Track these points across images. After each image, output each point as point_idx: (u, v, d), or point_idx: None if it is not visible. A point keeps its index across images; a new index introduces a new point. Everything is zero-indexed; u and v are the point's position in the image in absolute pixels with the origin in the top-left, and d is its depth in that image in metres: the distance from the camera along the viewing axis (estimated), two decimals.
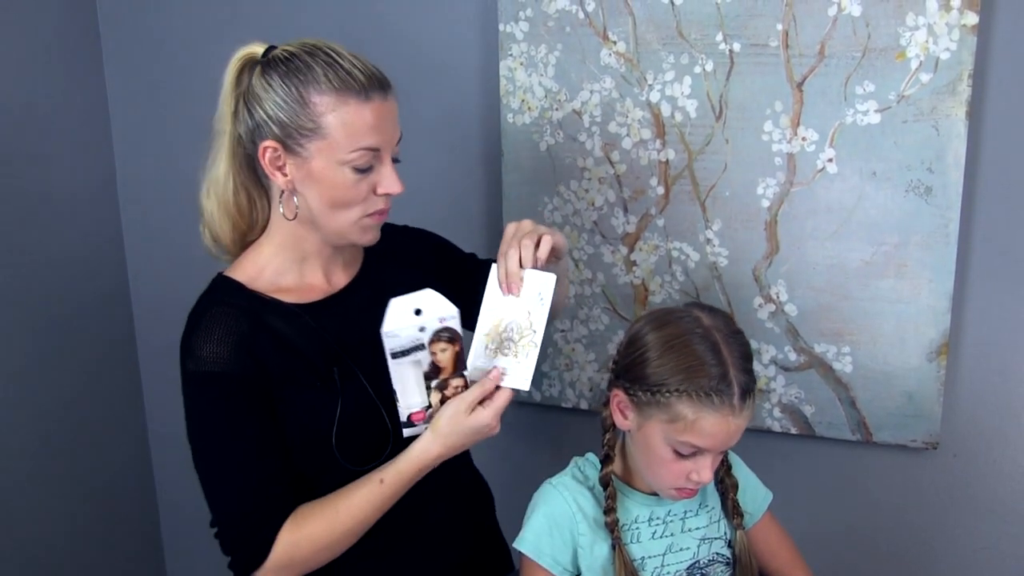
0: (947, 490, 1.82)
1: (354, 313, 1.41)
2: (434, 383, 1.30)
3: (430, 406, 1.31)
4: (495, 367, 1.32)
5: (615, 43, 1.77)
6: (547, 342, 1.95)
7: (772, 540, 1.52)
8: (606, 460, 1.40)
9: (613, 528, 1.35)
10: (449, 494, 1.49)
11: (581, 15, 1.78)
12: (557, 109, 1.84)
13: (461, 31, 1.92)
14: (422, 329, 1.27)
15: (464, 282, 1.51)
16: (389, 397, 1.34)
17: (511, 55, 1.84)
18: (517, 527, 1.42)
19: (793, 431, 1.84)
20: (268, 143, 1.31)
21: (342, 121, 1.28)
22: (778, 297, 1.78)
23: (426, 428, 1.32)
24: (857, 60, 1.64)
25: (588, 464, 1.45)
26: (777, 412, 1.84)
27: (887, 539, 1.88)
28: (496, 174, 1.93)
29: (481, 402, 1.31)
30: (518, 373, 1.33)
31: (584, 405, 1.97)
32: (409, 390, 1.31)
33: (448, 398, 1.31)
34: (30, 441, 2.09)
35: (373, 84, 1.30)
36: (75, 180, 2.18)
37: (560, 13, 1.79)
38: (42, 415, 2.11)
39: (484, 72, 1.92)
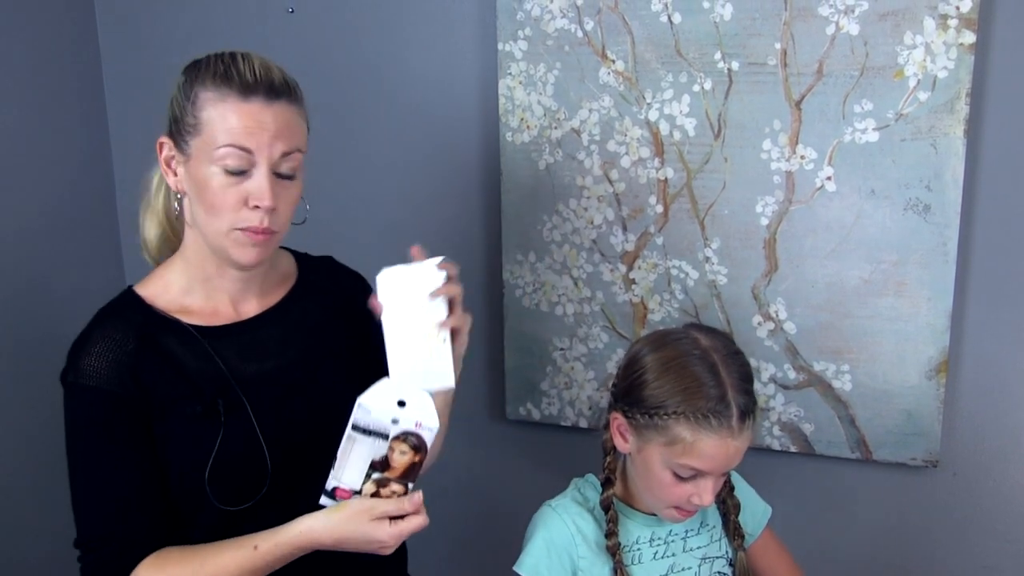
0: (947, 508, 1.81)
1: (256, 345, 1.36)
2: (375, 475, 1.22)
3: (359, 492, 1.22)
4: (419, 493, 1.23)
5: (614, 62, 1.78)
6: (547, 360, 1.95)
7: (771, 556, 1.51)
8: (607, 483, 1.39)
9: (615, 552, 1.35)
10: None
11: (580, 34, 1.78)
12: (556, 128, 1.84)
13: (460, 50, 1.93)
14: (395, 421, 1.21)
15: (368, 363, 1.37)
16: (275, 436, 1.30)
17: (510, 74, 1.85)
18: (516, 547, 1.42)
19: (793, 449, 1.84)
20: (163, 139, 1.29)
21: (216, 116, 1.24)
22: (777, 315, 1.78)
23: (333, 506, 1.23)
24: (855, 79, 1.65)
25: (588, 486, 1.44)
26: (777, 430, 1.84)
27: (887, 558, 1.87)
28: (495, 193, 1.93)
29: (394, 519, 1.22)
30: (439, 373, 1.25)
31: (583, 423, 1.96)
32: (350, 466, 1.21)
33: (379, 497, 1.22)
34: (25, 447, 2.08)
35: (259, 87, 1.25)
36: (74, 191, 2.19)
37: (559, 32, 1.80)
38: (37, 422, 2.09)
39: (483, 91, 1.92)
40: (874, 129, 1.66)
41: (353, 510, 1.21)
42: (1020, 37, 1.61)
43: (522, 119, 1.86)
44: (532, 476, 2.06)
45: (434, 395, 1.24)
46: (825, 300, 1.75)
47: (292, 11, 2.02)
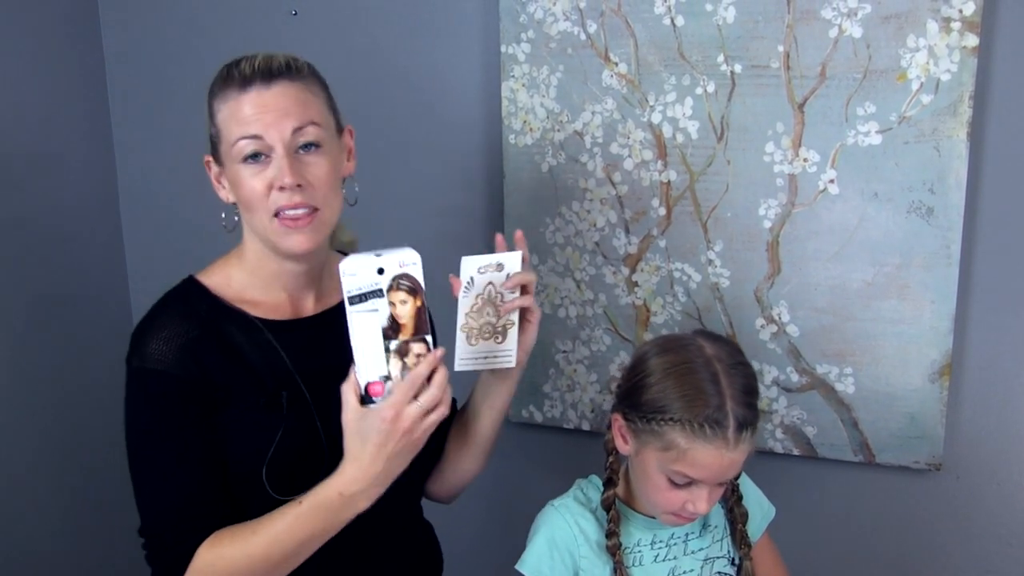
0: (950, 512, 1.81)
1: (318, 341, 1.37)
2: (393, 345, 1.18)
3: (389, 376, 1.18)
4: (440, 350, 1.20)
5: (617, 64, 1.78)
6: (549, 362, 1.95)
7: (767, 562, 1.50)
8: (609, 484, 1.39)
9: (615, 552, 1.34)
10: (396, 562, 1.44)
11: (583, 36, 1.79)
12: (559, 130, 1.84)
13: (463, 53, 1.93)
14: (380, 271, 1.17)
15: None
16: (334, 432, 1.28)
17: (513, 76, 1.85)
18: (519, 548, 1.42)
19: (795, 452, 1.84)
20: (207, 157, 1.35)
21: (225, 116, 1.28)
22: (780, 318, 1.78)
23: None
24: (858, 81, 1.65)
25: (591, 486, 1.44)
26: (779, 433, 1.83)
27: (889, 561, 1.87)
28: (498, 195, 1.94)
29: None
30: (503, 352, 1.35)
31: (586, 426, 1.96)
32: (367, 352, 1.18)
33: (408, 368, 1.18)
34: (26, 443, 2.08)
35: (256, 76, 1.27)
36: (76, 185, 2.19)
37: (562, 35, 1.80)
38: (38, 419, 2.11)
39: (486, 93, 1.93)
40: (877, 132, 1.66)
41: (359, 429, 1.19)
42: (1023, 40, 1.61)
43: (525, 122, 1.86)
44: (534, 478, 2.05)
45: (500, 384, 1.36)
46: (828, 303, 1.74)
47: (295, 14, 2.03)
